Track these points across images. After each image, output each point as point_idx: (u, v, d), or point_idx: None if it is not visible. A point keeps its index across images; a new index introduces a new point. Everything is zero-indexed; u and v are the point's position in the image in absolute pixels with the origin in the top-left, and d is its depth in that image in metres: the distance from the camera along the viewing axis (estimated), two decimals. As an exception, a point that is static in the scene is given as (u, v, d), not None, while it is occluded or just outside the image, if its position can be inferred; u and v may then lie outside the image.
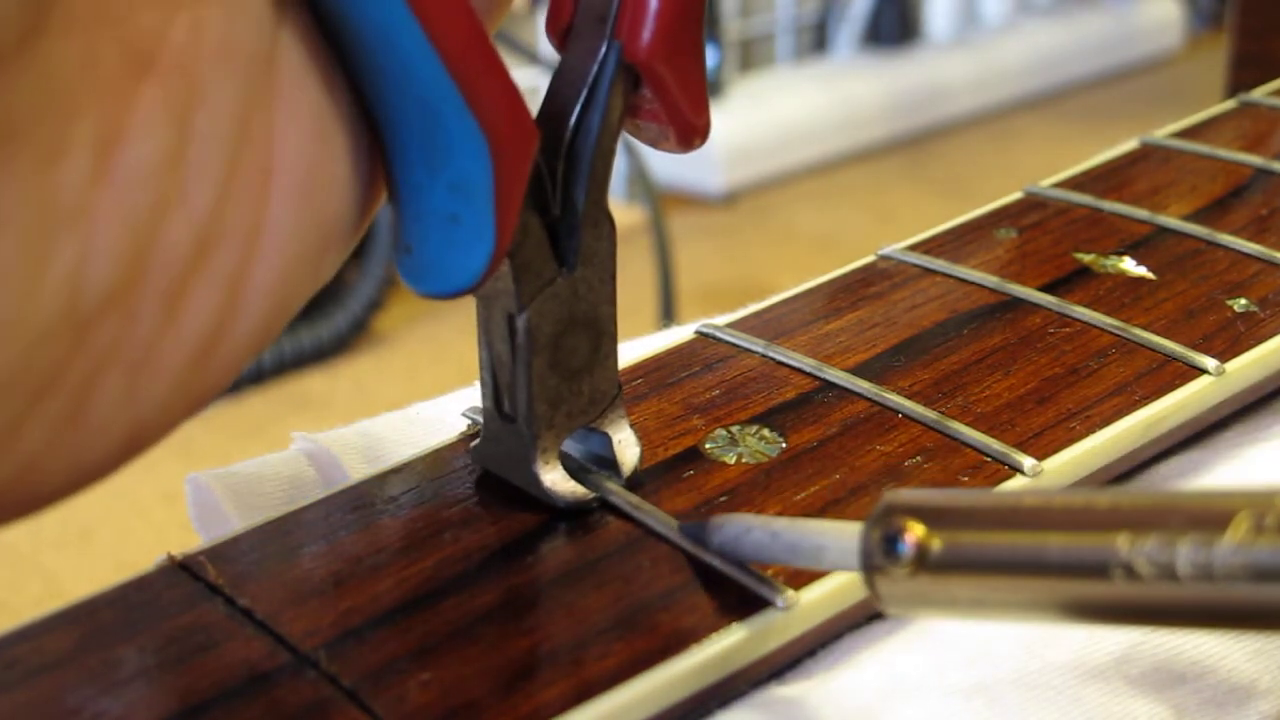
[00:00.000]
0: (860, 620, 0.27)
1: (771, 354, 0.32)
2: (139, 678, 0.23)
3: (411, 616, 0.24)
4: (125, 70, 0.19)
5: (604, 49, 0.25)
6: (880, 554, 0.21)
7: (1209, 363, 0.32)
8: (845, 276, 0.36)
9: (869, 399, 0.30)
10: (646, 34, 0.25)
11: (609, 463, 0.28)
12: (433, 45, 0.21)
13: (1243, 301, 0.34)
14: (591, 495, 0.27)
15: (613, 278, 0.27)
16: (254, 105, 0.21)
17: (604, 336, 0.27)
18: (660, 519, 0.26)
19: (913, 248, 0.37)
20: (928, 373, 0.31)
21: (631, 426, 0.28)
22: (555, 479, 0.27)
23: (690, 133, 0.26)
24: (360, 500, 0.27)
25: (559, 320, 0.26)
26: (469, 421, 0.30)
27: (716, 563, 0.25)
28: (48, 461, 0.20)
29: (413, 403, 0.35)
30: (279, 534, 0.26)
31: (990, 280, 0.35)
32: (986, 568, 0.20)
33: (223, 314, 0.21)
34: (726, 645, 0.24)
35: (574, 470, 0.27)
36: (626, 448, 0.28)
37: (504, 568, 0.25)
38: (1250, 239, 0.37)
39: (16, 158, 0.18)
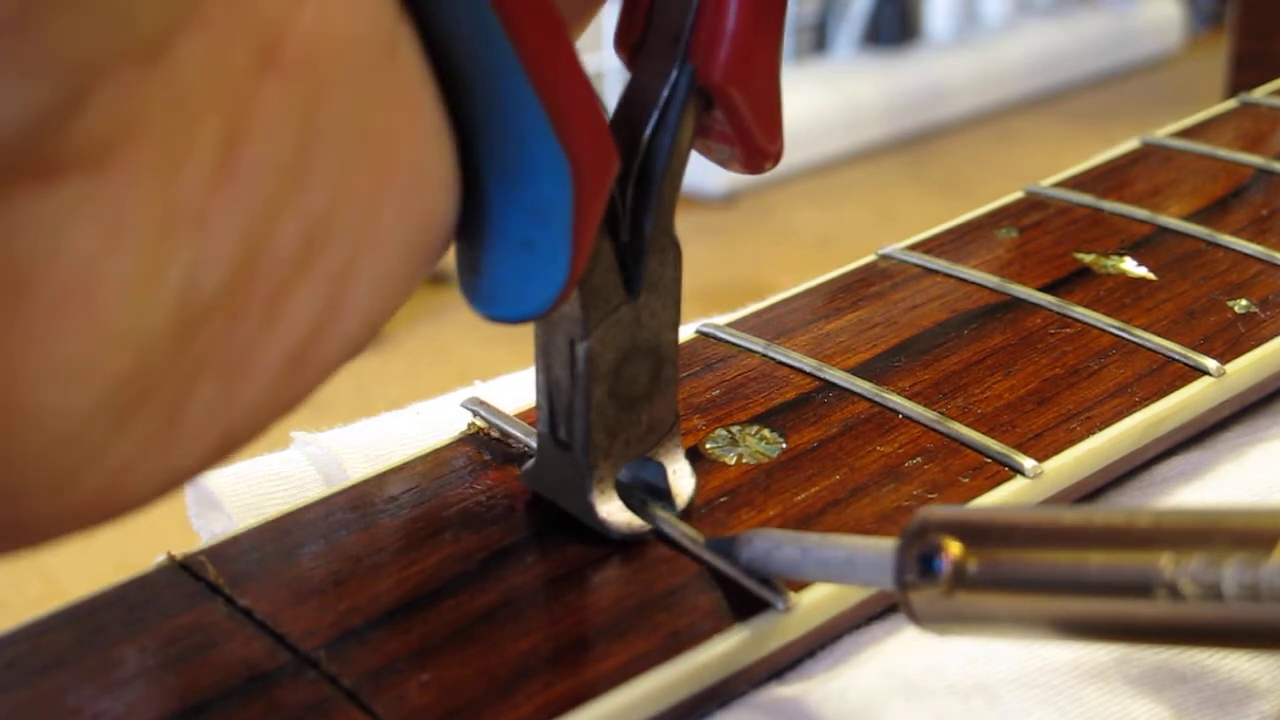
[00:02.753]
0: (860, 620, 0.27)
1: (772, 354, 0.32)
2: (139, 677, 0.23)
3: (411, 616, 0.24)
4: (251, 65, 0.18)
5: (676, 70, 0.24)
6: (916, 572, 0.21)
7: (1209, 364, 0.32)
8: (845, 276, 0.36)
9: (869, 399, 0.30)
10: (722, 55, 0.23)
11: (661, 492, 0.27)
12: (522, 64, 0.20)
13: (1243, 302, 0.34)
14: (647, 527, 0.26)
15: (677, 304, 0.26)
16: (376, 100, 0.20)
17: (665, 364, 0.26)
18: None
19: (913, 247, 0.37)
20: (928, 373, 0.31)
21: (687, 457, 0.27)
22: (611, 510, 0.26)
23: (760, 158, 0.25)
24: (360, 500, 0.27)
25: (621, 348, 0.25)
26: (469, 413, 0.30)
27: (719, 564, 0.25)
28: (138, 469, 0.19)
29: (413, 403, 0.35)
30: (279, 534, 0.26)
31: (991, 280, 0.35)
32: (1025, 586, 0.20)
33: (323, 317, 0.20)
34: (727, 646, 0.24)
35: (626, 499, 0.26)
36: (682, 478, 0.27)
37: (504, 568, 0.25)
38: (1251, 239, 0.37)
39: (139, 161, 0.17)
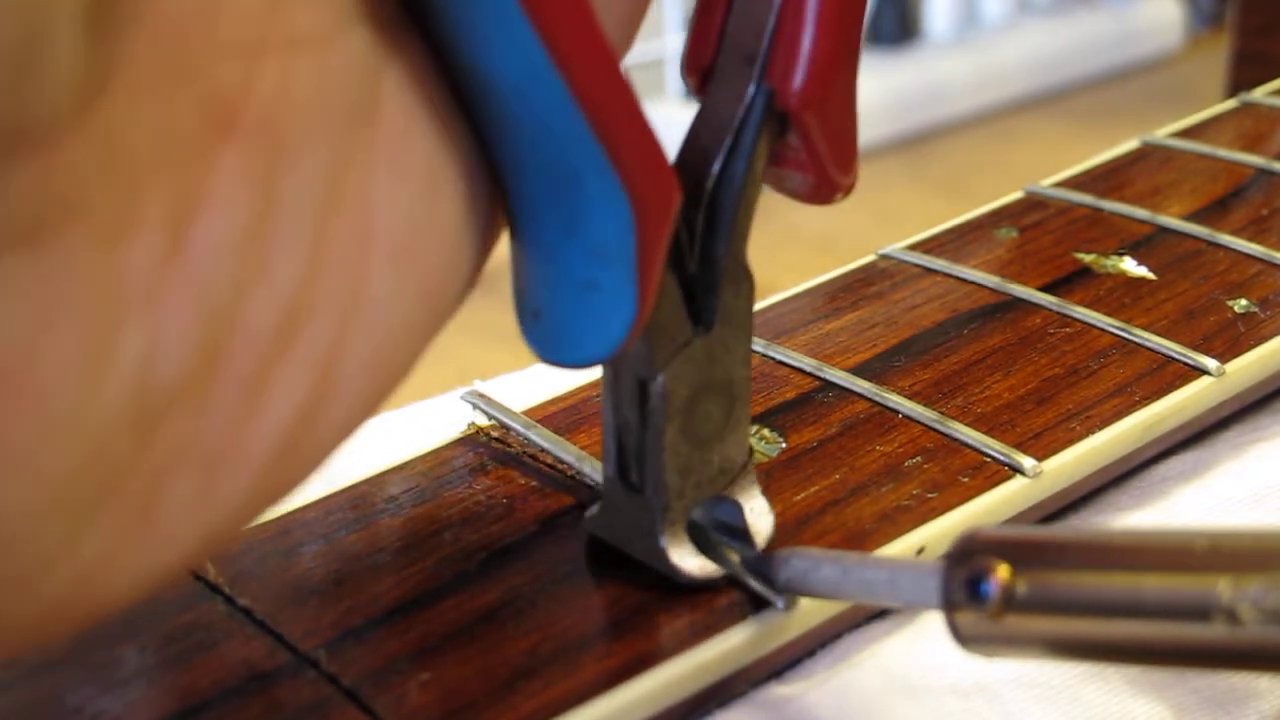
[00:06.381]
0: (860, 620, 0.27)
1: (771, 354, 0.32)
2: (139, 677, 0.23)
3: (411, 616, 0.24)
4: (204, 132, 0.17)
5: (752, 93, 0.23)
6: (964, 594, 0.20)
7: (1209, 363, 0.32)
8: (845, 276, 0.36)
9: (869, 399, 0.30)
10: (799, 78, 0.22)
11: (738, 531, 0.25)
12: (575, 100, 0.19)
13: (1243, 302, 0.34)
14: (720, 572, 0.25)
15: (749, 337, 0.25)
16: (350, 163, 0.18)
17: (738, 401, 0.25)
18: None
19: (913, 247, 0.37)
20: (928, 373, 0.31)
21: (763, 494, 0.26)
22: (683, 554, 0.25)
23: (831, 189, 0.24)
24: (360, 500, 0.27)
25: (693, 385, 0.24)
26: (469, 405, 0.30)
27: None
28: (110, 571, 0.17)
29: (412, 402, 0.35)
30: (279, 534, 0.26)
31: (991, 280, 0.35)
32: (1076, 610, 0.20)
33: (313, 398, 0.18)
34: (727, 645, 0.24)
35: (698, 540, 0.25)
36: (760, 516, 0.26)
37: (504, 567, 0.25)
38: (1251, 239, 0.37)
39: (77, 238, 0.16)
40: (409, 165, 0.19)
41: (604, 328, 0.21)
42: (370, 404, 0.19)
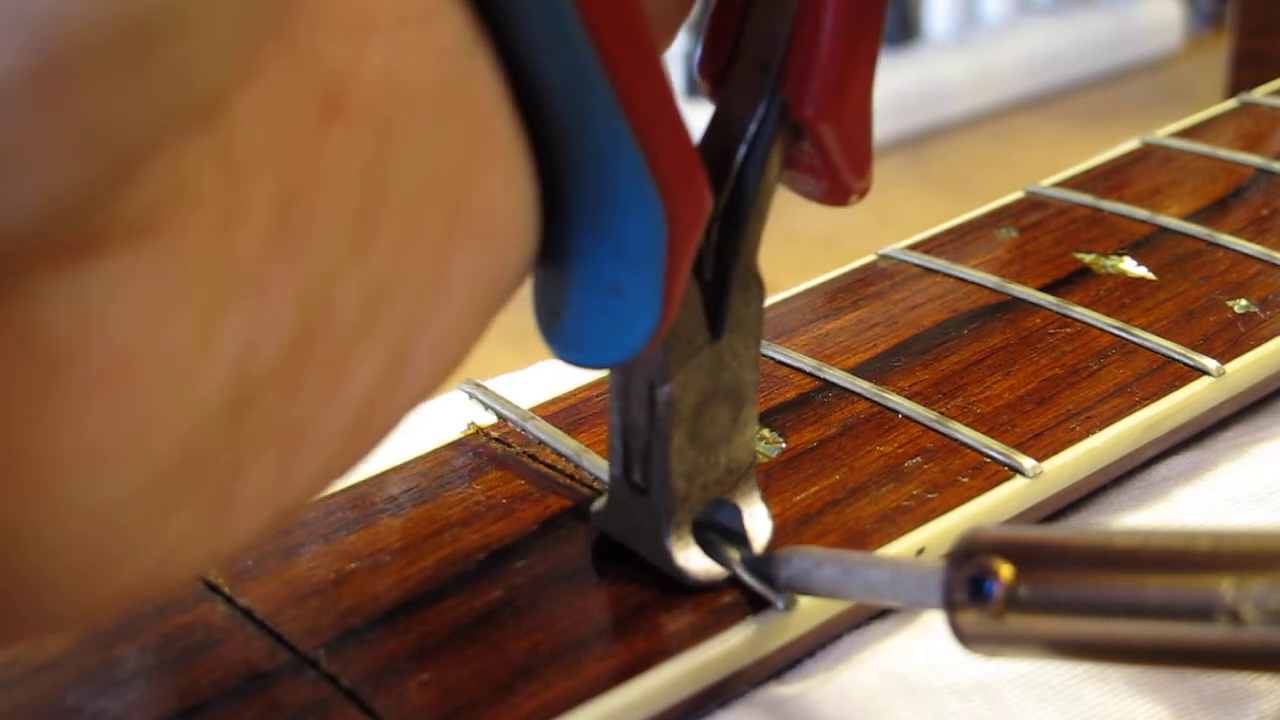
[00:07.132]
0: (860, 620, 0.27)
1: (771, 354, 0.32)
2: (138, 677, 0.23)
3: (411, 616, 0.24)
4: (312, 117, 0.17)
5: (766, 103, 0.23)
6: (966, 594, 0.20)
7: (1209, 363, 0.32)
8: (845, 276, 0.36)
9: (869, 399, 0.30)
10: (814, 88, 0.22)
11: (736, 535, 0.25)
12: (618, 104, 0.19)
13: (1243, 302, 0.34)
14: (725, 574, 0.25)
15: (758, 343, 0.25)
16: (445, 145, 0.18)
17: (745, 405, 0.25)
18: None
19: (913, 247, 0.37)
20: (928, 373, 0.31)
21: (763, 499, 0.26)
22: (689, 556, 0.25)
23: (845, 193, 0.23)
24: (360, 500, 0.27)
25: (702, 391, 0.24)
26: (466, 395, 0.30)
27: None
28: (185, 552, 0.17)
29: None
30: (279, 533, 0.26)
31: (990, 280, 0.35)
32: (1079, 610, 0.20)
33: (385, 378, 0.18)
34: (727, 646, 0.24)
35: (699, 540, 0.25)
36: (758, 520, 0.26)
37: (504, 568, 0.25)
38: (1251, 239, 0.37)
39: (190, 229, 0.16)
40: (493, 151, 0.19)
41: (626, 331, 0.21)
42: (432, 386, 0.19)
